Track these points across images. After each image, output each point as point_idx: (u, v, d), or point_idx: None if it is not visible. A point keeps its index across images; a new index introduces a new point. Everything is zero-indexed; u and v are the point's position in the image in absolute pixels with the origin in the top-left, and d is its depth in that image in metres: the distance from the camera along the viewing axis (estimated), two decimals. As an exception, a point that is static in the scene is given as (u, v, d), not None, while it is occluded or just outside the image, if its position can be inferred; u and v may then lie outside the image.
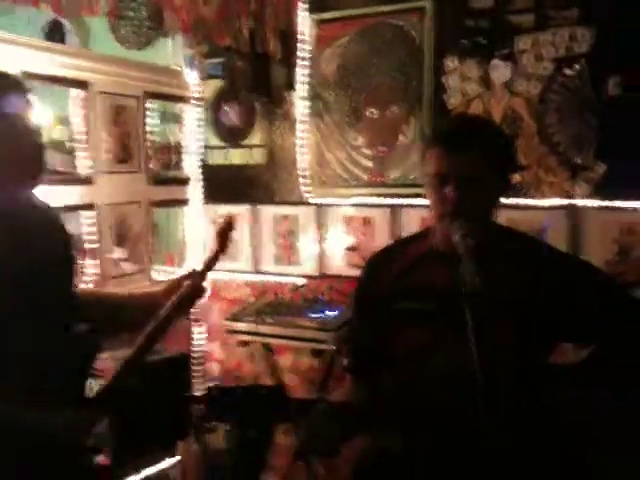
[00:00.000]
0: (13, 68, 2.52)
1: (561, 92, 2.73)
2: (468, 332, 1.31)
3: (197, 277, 1.79)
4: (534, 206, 2.76)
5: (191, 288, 1.76)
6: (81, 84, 2.91)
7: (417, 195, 2.89)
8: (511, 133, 2.75)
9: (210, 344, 3.56)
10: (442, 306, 1.47)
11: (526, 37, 2.77)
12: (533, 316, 1.44)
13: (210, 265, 1.80)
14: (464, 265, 1.36)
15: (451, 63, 2.93)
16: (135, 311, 1.83)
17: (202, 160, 3.57)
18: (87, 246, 2.96)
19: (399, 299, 1.55)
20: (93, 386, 1.68)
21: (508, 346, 1.41)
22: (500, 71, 2.84)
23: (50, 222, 1.65)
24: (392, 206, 3.09)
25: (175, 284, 1.81)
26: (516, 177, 2.73)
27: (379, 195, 3.13)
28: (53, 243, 1.61)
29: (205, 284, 1.81)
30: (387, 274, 1.61)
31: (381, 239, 3.04)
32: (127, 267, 3.14)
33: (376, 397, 1.61)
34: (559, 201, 2.74)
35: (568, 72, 2.71)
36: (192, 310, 1.88)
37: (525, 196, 2.77)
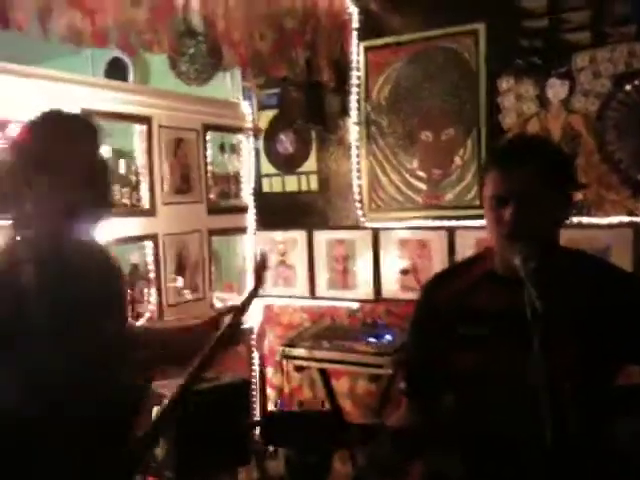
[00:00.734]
0: (77, 106, 2.64)
1: (620, 108, 2.67)
2: (533, 356, 1.28)
3: (237, 312, 1.81)
4: (596, 225, 2.70)
5: (232, 323, 1.78)
6: (143, 119, 3.03)
7: (473, 217, 2.87)
8: (570, 151, 2.70)
9: (267, 369, 3.59)
10: (504, 330, 1.44)
11: (583, 54, 2.74)
12: (597, 338, 1.40)
13: (249, 301, 1.84)
14: (526, 289, 1.34)
15: (506, 83, 2.91)
16: (179, 345, 1.86)
17: (258, 188, 3.63)
18: (149, 275, 3.05)
19: (459, 323, 1.52)
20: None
21: (573, 369, 1.37)
22: (557, 89, 2.80)
23: (98, 258, 1.66)
24: (447, 228, 3.07)
25: (215, 318, 1.84)
26: (577, 195, 2.67)
27: (434, 217, 3.12)
28: (101, 281, 1.61)
29: (243, 319, 1.83)
30: (446, 297, 1.58)
31: (437, 261, 3.03)
32: (188, 295, 3.21)
33: (434, 421, 1.58)
34: (622, 219, 2.67)
35: (627, 88, 2.65)
36: (234, 344, 1.92)
37: (587, 215, 2.71)
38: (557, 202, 1.47)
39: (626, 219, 2.66)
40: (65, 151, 1.45)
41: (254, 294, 1.85)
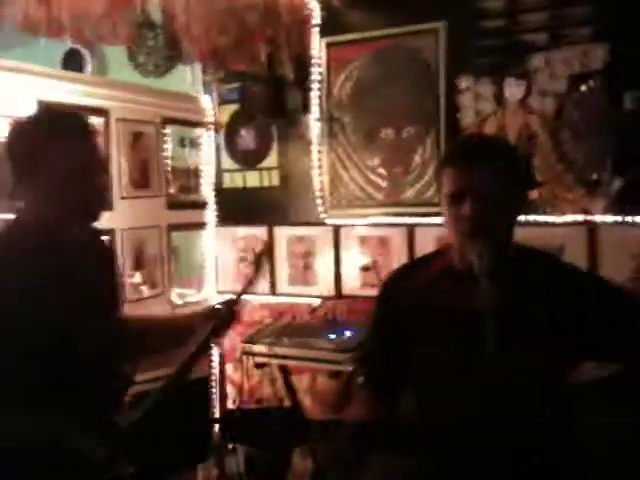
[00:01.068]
0: (32, 98, 2.58)
1: (576, 108, 2.72)
2: (489, 352, 1.30)
3: (232, 303, 1.82)
4: (551, 223, 2.75)
5: (227, 314, 1.79)
6: (99, 112, 2.97)
7: (432, 214, 2.90)
8: (527, 150, 2.75)
9: (227, 366, 3.56)
10: (461, 326, 1.45)
11: (540, 55, 2.78)
12: (553, 335, 1.43)
13: (245, 291, 1.83)
14: (482, 285, 1.36)
15: (464, 83, 2.94)
16: (173, 336, 1.86)
17: (219, 183, 3.60)
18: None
19: (418, 318, 1.54)
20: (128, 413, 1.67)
21: (529, 365, 1.40)
22: (514, 89, 2.84)
23: (95, 245, 1.69)
24: (408, 225, 3.09)
25: (212, 310, 1.85)
26: (533, 194, 2.72)
27: (395, 215, 3.13)
28: (98, 267, 1.64)
29: (239, 309, 1.84)
30: (406, 293, 1.60)
31: (397, 258, 3.04)
32: (146, 291, 3.17)
33: (394, 417, 1.59)
34: (576, 218, 2.72)
35: (583, 88, 2.70)
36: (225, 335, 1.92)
37: (542, 213, 2.75)
38: (512, 200, 1.50)
39: (580, 218, 2.71)
40: (56, 148, 1.46)
41: (251, 283, 1.84)
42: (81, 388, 1.47)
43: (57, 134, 1.48)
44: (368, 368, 1.73)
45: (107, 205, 1.64)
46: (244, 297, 1.82)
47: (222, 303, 1.84)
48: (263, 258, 1.89)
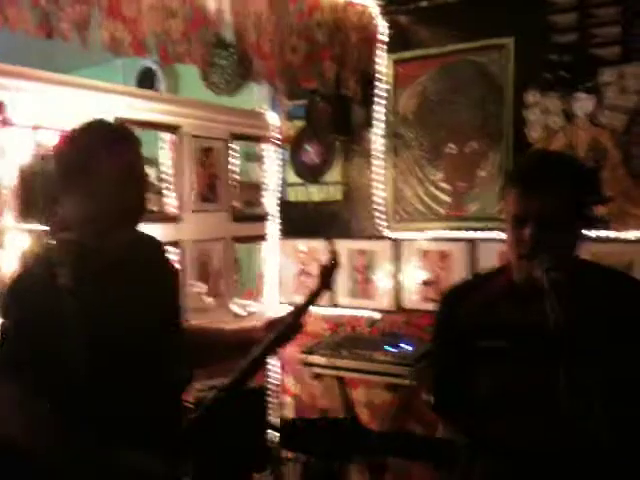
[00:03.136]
0: (109, 114, 2.69)
1: (647, 123, 2.65)
2: (556, 371, 1.26)
3: (296, 313, 1.79)
4: (619, 239, 2.67)
5: (289, 324, 1.77)
6: (171, 128, 3.08)
7: (495, 229, 2.86)
8: (595, 165, 2.69)
9: (285, 377, 3.59)
10: (526, 344, 1.43)
11: (611, 69, 2.73)
12: (623, 354, 1.38)
13: (311, 301, 1.80)
14: (548, 301, 1.33)
15: (532, 97, 2.91)
16: (235, 347, 1.84)
17: (282, 197, 3.67)
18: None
19: (480, 336, 1.52)
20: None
21: (598, 385, 1.36)
22: (583, 103, 2.80)
23: (157, 253, 1.72)
24: (470, 240, 3.07)
25: (276, 321, 1.82)
26: (601, 209, 2.65)
27: (457, 229, 3.12)
28: (161, 274, 1.66)
29: (303, 320, 1.80)
30: (466, 310, 1.58)
31: (458, 273, 3.02)
32: (209, 301, 3.24)
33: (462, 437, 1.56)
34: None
35: (654, 103, 2.63)
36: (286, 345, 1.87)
37: (610, 229, 2.68)
38: (580, 219, 1.46)
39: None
40: (105, 158, 1.50)
41: (317, 295, 1.80)
42: (145, 399, 1.48)
43: (108, 141, 1.52)
44: (435, 385, 1.70)
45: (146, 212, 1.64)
46: (308, 308, 1.78)
47: (287, 314, 1.81)
48: (332, 270, 1.83)
